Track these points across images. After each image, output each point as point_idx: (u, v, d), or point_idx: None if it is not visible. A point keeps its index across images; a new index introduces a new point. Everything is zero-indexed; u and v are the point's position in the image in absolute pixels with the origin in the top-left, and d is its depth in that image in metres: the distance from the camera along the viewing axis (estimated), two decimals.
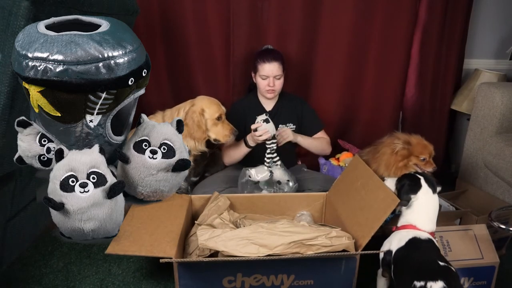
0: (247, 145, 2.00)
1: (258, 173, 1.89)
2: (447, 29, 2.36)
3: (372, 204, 1.53)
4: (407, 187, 1.44)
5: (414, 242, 1.34)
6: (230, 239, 1.38)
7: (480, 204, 2.06)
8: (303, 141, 2.10)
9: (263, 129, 1.87)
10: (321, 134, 2.20)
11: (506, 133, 2.09)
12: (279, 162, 1.93)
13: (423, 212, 1.41)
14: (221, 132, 1.94)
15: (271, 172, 1.90)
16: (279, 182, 1.91)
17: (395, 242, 1.38)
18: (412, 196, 1.41)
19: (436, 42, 2.36)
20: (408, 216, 1.41)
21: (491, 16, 2.50)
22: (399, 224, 1.44)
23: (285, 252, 1.36)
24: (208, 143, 2.01)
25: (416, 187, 1.43)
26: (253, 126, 1.90)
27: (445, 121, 2.58)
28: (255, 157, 2.01)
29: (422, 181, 1.43)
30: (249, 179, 1.89)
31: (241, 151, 2.04)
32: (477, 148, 2.20)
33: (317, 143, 2.16)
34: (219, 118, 1.94)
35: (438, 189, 1.46)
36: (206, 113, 1.92)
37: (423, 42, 2.36)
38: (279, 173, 1.91)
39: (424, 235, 1.36)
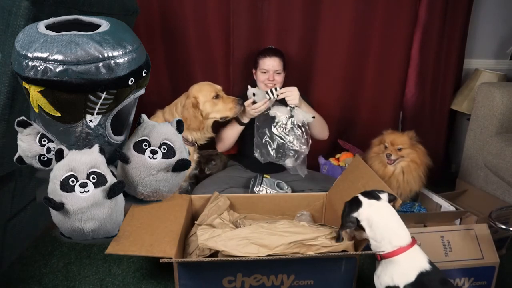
0: (239, 122, 1.98)
1: (278, 111, 1.89)
2: (447, 29, 2.36)
3: None
4: (347, 209, 1.34)
5: (425, 280, 1.23)
6: (230, 239, 1.38)
7: (480, 204, 2.06)
8: (308, 111, 1.97)
9: (261, 99, 1.86)
10: None
11: (506, 133, 2.09)
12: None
13: (389, 225, 1.30)
14: (224, 108, 1.89)
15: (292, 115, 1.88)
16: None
17: (397, 276, 1.26)
18: (355, 214, 1.31)
19: (436, 42, 2.36)
20: (384, 241, 1.28)
21: (491, 16, 2.50)
22: (384, 251, 1.29)
23: (285, 252, 1.36)
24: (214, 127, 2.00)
25: (356, 204, 1.33)
26: (248, 102, 1.88)
27: (445, 121, 2.58)
28: (252, 158, 2.00)
29: (360, 197, 1.34)
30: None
31: (234, 130, 2.00)
32: (477, 148, 2.20)
33: (321, 120, 2.05)
34: (216, 97, 1.89)
35: (383, 195, 1.36)
36: (200, 99, 1.87)
37: (423, 42, 2.35)
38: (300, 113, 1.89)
39: (427, 265, 1.25)
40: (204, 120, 1.89)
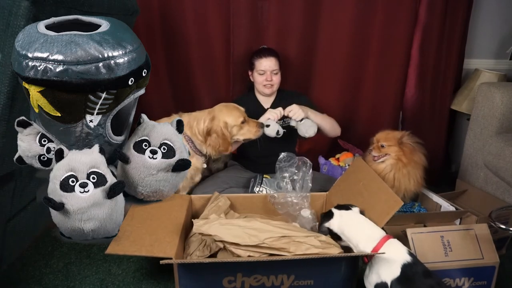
0: None
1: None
2: (447, 29, 2.36)
3: (374, 205, 1.53)
4: (321, 219, 1.53)
5: (409, 272, 1.28)
6: (223, 224, 1.40)
7: (480, 204, 2.06)
8: (315, 117, 2.00)
9: (271, 129, 1.92)
10: None
11: (506, 133, 2.09)
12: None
13: (359, 227, 1.42)
14: (249, 131, 1.93)
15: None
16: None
17: (383, 272, 1.32)
18: (326, 224, 1.48)
19: (436, 42, 2.36)
20: (360, 242, 1.38)
21: (491, 16, 2.50)
22: (370, 249, 1.36)
23: (274, 244, 1.36)
24: None
25: (328, 216, 1.50)
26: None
27: (445, 121, 2.58)
28: (252, 158, 2.00)
29: (333, 209, 1.51)
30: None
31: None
32: (477, 148, 2.20)
33: (329, 119, 2.08)
34: (243, 122, 1.92)
35: (355, 208, 1.51)
36: (229, 124, 1.89)
37: (423, 42, 2.35)
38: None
39: (407, 256, 1.31)
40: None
